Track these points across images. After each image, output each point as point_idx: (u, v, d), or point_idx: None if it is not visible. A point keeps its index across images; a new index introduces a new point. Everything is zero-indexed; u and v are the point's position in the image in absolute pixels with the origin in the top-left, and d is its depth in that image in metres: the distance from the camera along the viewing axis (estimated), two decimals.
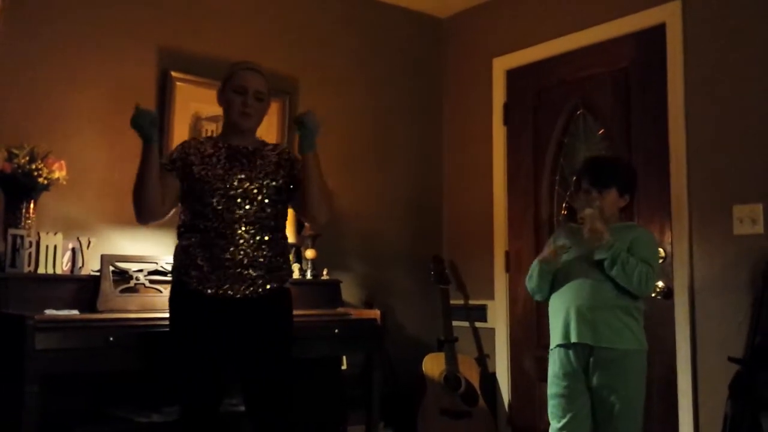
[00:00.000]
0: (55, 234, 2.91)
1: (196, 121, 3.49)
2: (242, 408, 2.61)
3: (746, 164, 3.08)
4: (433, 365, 3.80)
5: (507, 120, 4.11)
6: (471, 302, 4.18)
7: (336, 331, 3.17)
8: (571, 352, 2.66)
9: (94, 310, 2.85)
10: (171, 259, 3.11)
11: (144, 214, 2.48)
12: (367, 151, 4.14)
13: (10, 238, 2.81)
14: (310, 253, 3.57)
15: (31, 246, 2.85)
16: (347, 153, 4.03)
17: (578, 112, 3.79)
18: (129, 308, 2.91)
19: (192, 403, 2.48)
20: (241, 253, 2.44)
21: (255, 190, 2.49)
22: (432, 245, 4.31)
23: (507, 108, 4.12)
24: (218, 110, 3.38)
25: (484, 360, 4.05)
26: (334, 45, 4.06)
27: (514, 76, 4.11)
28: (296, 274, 3.53)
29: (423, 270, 4.13)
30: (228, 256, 2.44)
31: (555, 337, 2.73)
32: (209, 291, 2.44)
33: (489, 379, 3.99)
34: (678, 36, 3.33)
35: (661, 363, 3.24)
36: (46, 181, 2.89)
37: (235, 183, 2.47)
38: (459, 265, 4.26)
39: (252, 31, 3.73)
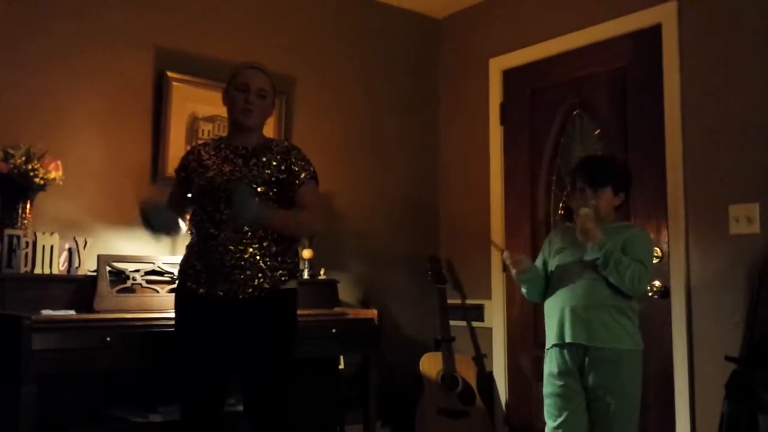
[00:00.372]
0: (52, 234, 2.91)
1: (193, 122, 3.49)
2: (241, 408, 2.61)
3: (742, 164, 3.09)
4: (430, 365, 3.80)
5: (503, 120, 4.12)
6: (468, 302, 4.19)
7: (333, 330, 3.18)
8: (566, 352, 2.66)
9: (91, 311, 2.84)
10: (168, 259, 3.15)
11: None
12: (364, 151, 4.14)
13: (6, 239, 2.80)
14: (307, 253, 3.57)
15: (27, 246, 2.84)
16: (344, 153, 4.03)
17: (575, 112, 3.80)
18: (126, 308, 2.90)
19: (190, 404, 2.48)
20: (229, 254, 2.45)
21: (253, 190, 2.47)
22: (429, 245, 4.31)
23: (503, 108, 4.13)
24: (215, 110, 3.44)
25: (481, 359, 4.05)
26: (331, 45, 4.06)
27: (510, 76, 4.11)
28: None
29: (420, 270, 4.13)
30: (217, 257, 2.45)
31: (550, 337, 2.73)
32: (202, 291, 2.46)
33: (486, 379, 3.99)
34: (674, 36, 3.33)
35: (657, 362, 3.25)
36: (42, 182, 2.89)
37: (224, 184, 2.48)
38: (456, 264, 4.26)
39: (249, 31, 3.73)
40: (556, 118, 3.85)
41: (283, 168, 2.56)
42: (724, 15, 3.20)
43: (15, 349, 2.42)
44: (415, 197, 4.34)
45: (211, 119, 3.52)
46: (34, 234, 2.88)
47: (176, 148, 3.37)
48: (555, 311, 2.71)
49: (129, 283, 3.01)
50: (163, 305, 2.98)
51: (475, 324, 4.14)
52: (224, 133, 3.13)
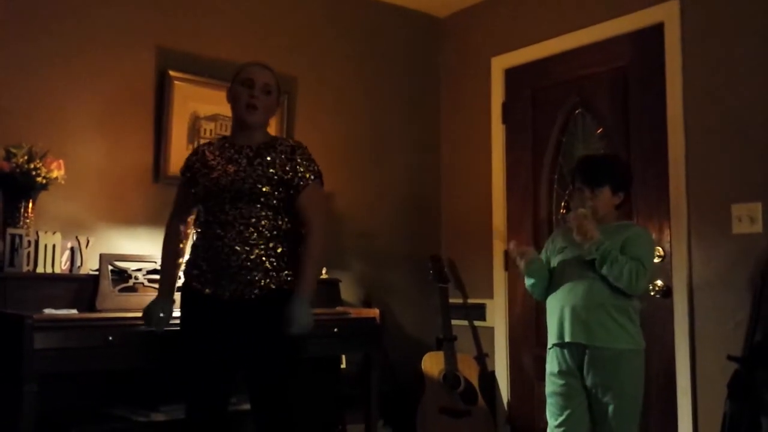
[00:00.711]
0: (54, 233, 2.91)
1: (195, 121, 3.49)
2: (244, 407, 2.61)
3: (745, 163, 3.08)
4: (432, 364, 3.80)
5: (505, 119, 4.12)
6: (470, 301, 4.18)
7: (335, 330, 3.18)
8: (566, 352, 2.66)
9: (93, 310, 2.85)
10: None
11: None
12: (366, 150, 4.14)
13: (8, 238, 2.80)
14: None
15: (29, 245, 2.84)
16: (346, 152, 4.03)
17: (577, 111, 3.79)
18: (128, 307, 2.90)
19: (195, 403, 2.48)
20: (235, 254, 2.43)
21: (247, 190, 2.46)
22: (431, 244, 4.31)
23: (505, 107, 4.12)
24: (216, 109, 3.44)
25: (483, 359, 4.05)
26: (332, 44, 4.06)
27: (512, 75, 4.11)
28: None
29: (422, 269, 4.13)
30: (223, 257, 2.44)
31: (551, 337, 2.74)
32: (207, 291, 2.45)
33: (488, 378, 3.99)
34: (676, 35, 3.33)
35: (660, 362, 3.24)
36: (44, 181, 2.89)
37: (229, 184, 2.47)
38: (458, 263, 4.26)
39: (250, 31, 3.73)
40: (558, 117, 3.85)
41: (287, 168, 2.51)
42: (726, 14, 3.19)
43: (17, 348, 2.42)
44: (416, 196, 4.34)
45: (212, 118, 3.52)
46: (36, 233, 2.88)
47: (178, 148, 3.37)
48: (555, 311, 2.72)
49: (131, 282, 3.01)
50: None
51: (476, 323, 4.13)
52: (225, 132, 3.14)
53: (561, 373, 2.67)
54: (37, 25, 3.13)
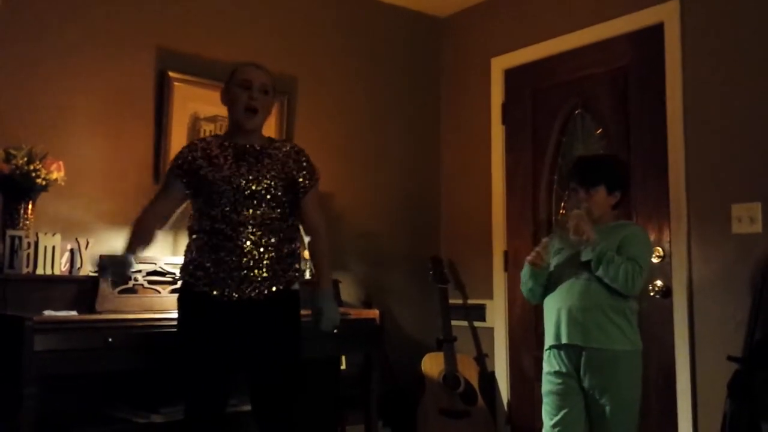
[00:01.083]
0: (54, 235, 2.90)
1: (195, 122, 3.49)
2: (244, 408, 2.61)
3: (745, 163, 3.08)
4: (432, 365, 3.80)
5: (505, 119, 4.11)
6: (470, 302, 4.18)
7: (335, 330, 3.17)
8: (563, 353, 2.66)
9: (93, 311, 2.84)
10: (170, 260, 3.13)
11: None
12: (366, 150, 4.14)
13: (8, 239, 2.80)
14: (308, 253, 3.56)
15: (29, 247, 2.84)
16: (345, 152, 4.03)
17: (576, 112, 3.79)
18: (128, 309, 2.90)
19: (197, 405, 2.47)
20: (248, 255, 2.43)
21: (263, 191, 2.47)
22: (430, 245, 4.31)
23: (505, 107, 4.12)
24: (216, 110, 3.43)
25: (483, 359, 4.05)
26: (333, 44, 4.06)
27: (512, 75, 4.11)
28: None
29: (422, 270, 4.13)
30: (235, 258, 2.42)
31: (548, 339, 2.73)
32: (215, 293, 2.43)
33: (488, 379, 3.99)
34: (676, 35, 3.33)
35: (659, 362, 3.25)
36: (44, 182, 2.88)
37: (243, 184, 2.45)
38: (457, 264, 4.26)
39: (250, 31, 3.73)
40: (558, 117, 3.85)
41: (294, 170, 2.56)
42: (726, 14, 3.19)
43: (17, 350, 2.41)
44: (416, 197, 4.34)
45: (212, 119, 3.52)
46: (36, 235, 2.88)
47: (178, 149, 3.30)
48: (552, 312, 2.71)
49: (131, 283, 3.00)
50: (164, 306, 2.98)
51: (476, 324, 4.13)
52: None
53: (557, 374, 2.66)
54: (37, 26, 3.13)
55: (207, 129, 3.51)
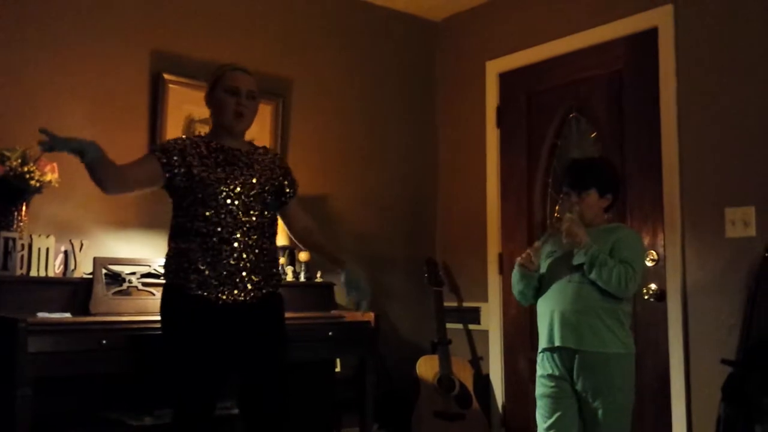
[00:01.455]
0: (48, 236, 2.90)
1: (190, 124, 3.49)
2: (234, 411, 2.60)
3: (738, 167, 3.09)
4: (426, 367, 3.80)
5: (500, 123, 4.12)
6: (464, 304, 4.19)
7: (330, 333, 3.18)
8: (556, 356, 2.65)
9: (87, 313, 2.84)
10: (163, 262, 3.10)
11: (110, 188, 2.38)
12: (361, 154, 4.14)
13: (2, 241, 2.79)
14: (303, 256, 3.57)
15: (23, 249, 2.83)
16: (341, 155, 4.03)
17: (571, 115, 3.80)
18: (122, 311, 2.90)
19: (188, 408, 2.46)
20: (244, 258, 2.44)
21: (257, 196, 2.49)
22: (425, 247, 4.31)
23: (500, 111, 4.13)
24: None
25: (477, 362, 4.05)
26: (328, 47, 4.06)
27: (507, 79, 4.12)
28: (290, 277, 3.53)
29: (417, 272, 4.13)
30: (232, 261, 2.42)
31: (541, 341, 2.73)
32: (210, 296, 2.41)
33: (483, 381, 3.99)
34: (670, 40, 3.34)
35: (654, 365, 3.25)
36: (38, 184, 2.88)
37: (238, 188, 2.45)
38: (452, 267, 4.26)
39: (245, 33, 3.73)
40: (553, 121, 3.86)
41: (281, 176, 2.62)
42: (720, 18, 3.20)
43: (10, 352, 2.41)
44: (411, 200, 4.34)
45: (207, 121, 3.47)
46: (30, 236, 2.87)
47: None
48: (545, 315, 2.71)
49: (125, 285, 3.00)
50: (159, 308, 2.96)
51: (471, 327, 4.14)
52: None
53: (551, 377, 2.66)
54: (32, 28, 3.12)
55: (202, 131, 3.49)
